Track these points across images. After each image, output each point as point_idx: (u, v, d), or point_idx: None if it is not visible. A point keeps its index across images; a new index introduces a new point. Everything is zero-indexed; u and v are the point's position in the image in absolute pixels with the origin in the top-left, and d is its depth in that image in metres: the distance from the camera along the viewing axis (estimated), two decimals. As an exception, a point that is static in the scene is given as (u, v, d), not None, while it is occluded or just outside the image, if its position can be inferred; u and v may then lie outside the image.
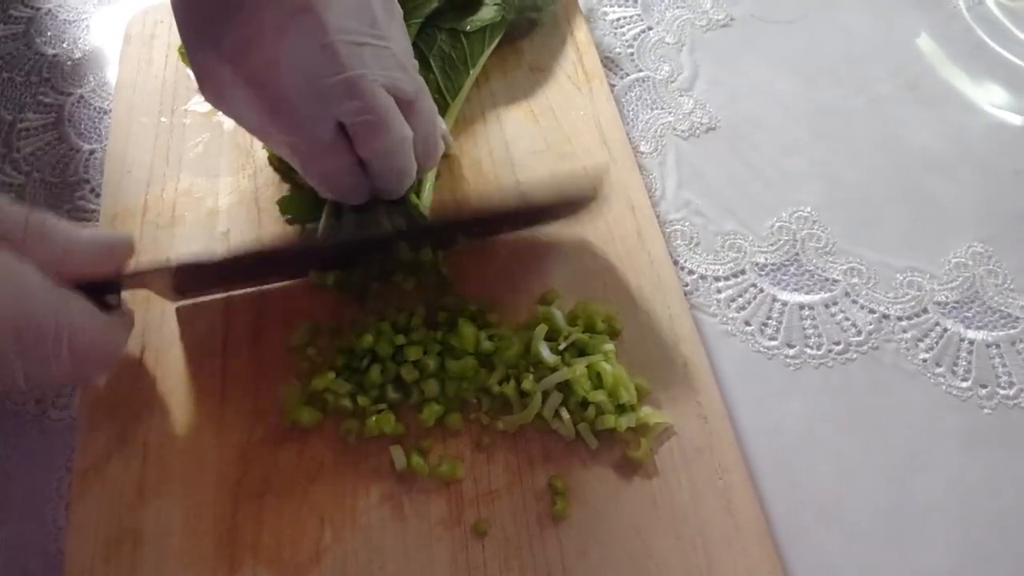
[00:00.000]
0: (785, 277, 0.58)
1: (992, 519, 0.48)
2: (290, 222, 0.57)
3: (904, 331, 0.55)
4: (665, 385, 0.50)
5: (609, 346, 0.50)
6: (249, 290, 0.54)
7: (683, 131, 0.66)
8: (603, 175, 0.55)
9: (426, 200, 0.56)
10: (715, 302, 0.57)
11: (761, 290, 0.57)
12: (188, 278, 0.51)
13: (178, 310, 0.54)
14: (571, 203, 0.55)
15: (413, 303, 0.53)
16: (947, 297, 0.57)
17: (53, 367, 0.41)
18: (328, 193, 0.50)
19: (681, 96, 0.68)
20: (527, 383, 0.48)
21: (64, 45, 0.73)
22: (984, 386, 0.53)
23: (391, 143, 0.47)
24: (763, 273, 0.58)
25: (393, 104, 0.47)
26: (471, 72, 0.62)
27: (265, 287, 0.55)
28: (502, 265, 0.56)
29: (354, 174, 0.48)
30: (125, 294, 0.48)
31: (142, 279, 0.49)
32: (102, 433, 0.49)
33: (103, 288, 0.46)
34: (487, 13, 0.62)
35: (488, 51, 0.64)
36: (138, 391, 0.51)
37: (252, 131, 0.50)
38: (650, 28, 0.73)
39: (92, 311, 0.43)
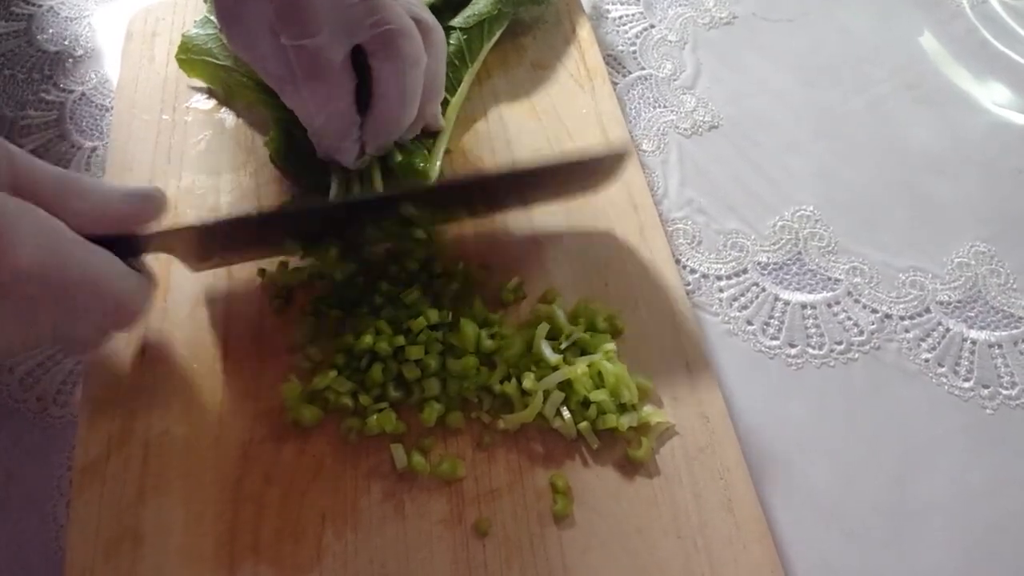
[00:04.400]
0: (787, 276, 0.58)
1: (993, 519, 0.48)
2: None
3: (906, 331, 0.55)
4: (667, 384, 0.50)
5: (611, 345, 0.50)
6: (251, 288, 0.54)
7: (685, 129, 0.65)
8: (626, 151, 0.55)
9: (434, 168, 0.57)
10: (717, 301, 0.57)
11: (763, 289, 0.57)
12: (214, 239, 0.51)
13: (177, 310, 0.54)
14: (582, 170, 0.55)
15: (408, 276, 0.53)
16: (949, 297, 0.57)
17: (81, 320, 0.42)
18: (320, 123, 0.51)
19: (683, 94, 0.68)
20: (528, 382, 0.48)
21: (66, 42, 0.73)
22: (986, 386, 0.53)
23: (408, 56, 0.49)
24: (765, 272, 0.58)
25: (412, 24, 0.49)
26: (470, 68, 0.62)
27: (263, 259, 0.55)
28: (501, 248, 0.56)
29: (351, 106, 0.50)
30: (149, 259, 0.49)
31: (169, 239, 0.49)
32: (103, 431, 0.49)
33: (128, 251, 0.46)
34: (483, 7, 0.62)
35: (487, 46, 0.64)
36: (138, 389, 0.51)
37: (256, 53, 0.51)
38: (652, 26, 0.73)
39: (121, 266, 0.44)
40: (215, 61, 0.61)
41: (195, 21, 0.63)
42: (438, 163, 0.58)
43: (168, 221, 0.48)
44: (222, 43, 0.61)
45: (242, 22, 0.50)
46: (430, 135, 0.58)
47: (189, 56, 0.62)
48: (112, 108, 0.66)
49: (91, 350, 0.48)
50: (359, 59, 0.50)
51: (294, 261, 0.55)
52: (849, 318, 0.56)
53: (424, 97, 0.52)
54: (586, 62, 0.66)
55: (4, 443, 0.52)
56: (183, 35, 0.63)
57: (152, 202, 0.46)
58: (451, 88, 0.60)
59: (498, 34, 0.64)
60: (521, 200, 0.57)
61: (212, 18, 0.62)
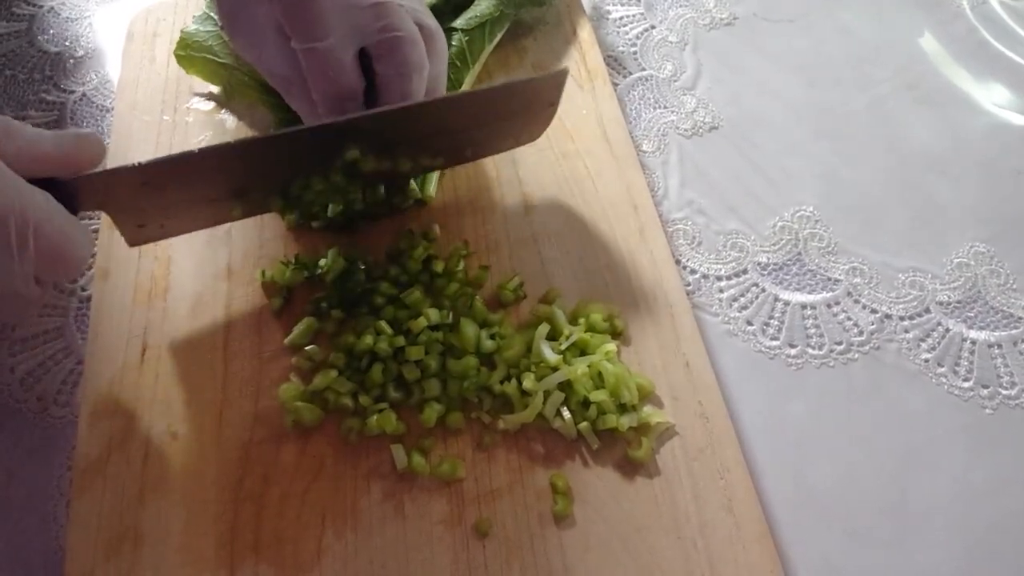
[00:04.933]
0: (787, 277, 0.58)
1: (994, 519, 0.48)
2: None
3: (906, 331, 0.55)
4: (667, 385, 0.50)
5: (611, 346, 0.50)
6: (250, 289, 0.54)
7: (686, 130, 0.65)
8: (562, 79, 0.54)
9: (431, 181, 0.57)
10: (717, 301, 0.57)
11: (763, 290, 0.57)
12: (151, 189, 0.47)
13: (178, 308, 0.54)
14: (523, 98, 0.54)
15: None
16: (949, 297, 0.57)
17: (17, 263, 0.39)
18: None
19: (684, 95, 0.68)
20: (528, 382, 0.48)
21: (67, 43, 0.73)
22: (986, 386, 0.53)
23: (412, 62, 0.49)
24: (765, 273, 0.58)
25: (417, 31, 0.50)
26: (471, 69, 0.62)
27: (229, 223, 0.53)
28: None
29: (362, 108, 0.50)
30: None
31: (103, 183, 0.46)
32: (103, 431, 0.50)
33: (62, 200, 0.42)
34: (484, 8, 0.62)
35: (488, 48, 0.64)
36: (139, 390, 0.51)
37: (260, 54, 0.51)
38: (653, 27, 0.73)
39: (59, 208, 0.41)
40: (215, 59, 0.61)
41: (194, 17, 0.63)
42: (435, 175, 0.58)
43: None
44: (222, 40, 0.61)
45: (246, 23, 0.50)
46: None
47: (188, 53, 0.62)
48: (113, 109, 0.66)
49: (24, 307, 0.44)
50: (363, 63, 0.50)
51: (290, 250, 0.55)
52: (849, 318, 0.56)
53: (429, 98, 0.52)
54: (587, 63, 0.66)
55: (4, 443, 0.52)
56: (182, 31, 0.62)
57: (86, 145, 0.44)
58: (452, 89, 0.60)
59: (499, 36, 0.65)
60: (461, 141, 0.56)
61: (212, 14, 0.62)
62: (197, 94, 0.65)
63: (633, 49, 0.71)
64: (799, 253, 0.59)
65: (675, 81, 0.69)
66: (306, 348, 0.51)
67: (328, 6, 0.47)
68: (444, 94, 0.54)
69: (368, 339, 0.50)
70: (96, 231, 0.58)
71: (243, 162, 0.49)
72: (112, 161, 0.61)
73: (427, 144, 0.54)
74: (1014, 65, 0.69)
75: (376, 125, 0.50)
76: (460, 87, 0.61)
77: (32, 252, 0.40)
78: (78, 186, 0.44)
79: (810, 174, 0.63)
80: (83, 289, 0.58)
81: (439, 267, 0.54)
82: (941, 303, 0.56)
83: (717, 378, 0.51)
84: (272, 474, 0.48)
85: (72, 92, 0.70)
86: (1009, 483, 0.50)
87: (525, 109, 0.55)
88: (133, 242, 0.51)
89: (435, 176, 0.58)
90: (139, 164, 0.46)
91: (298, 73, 0.50)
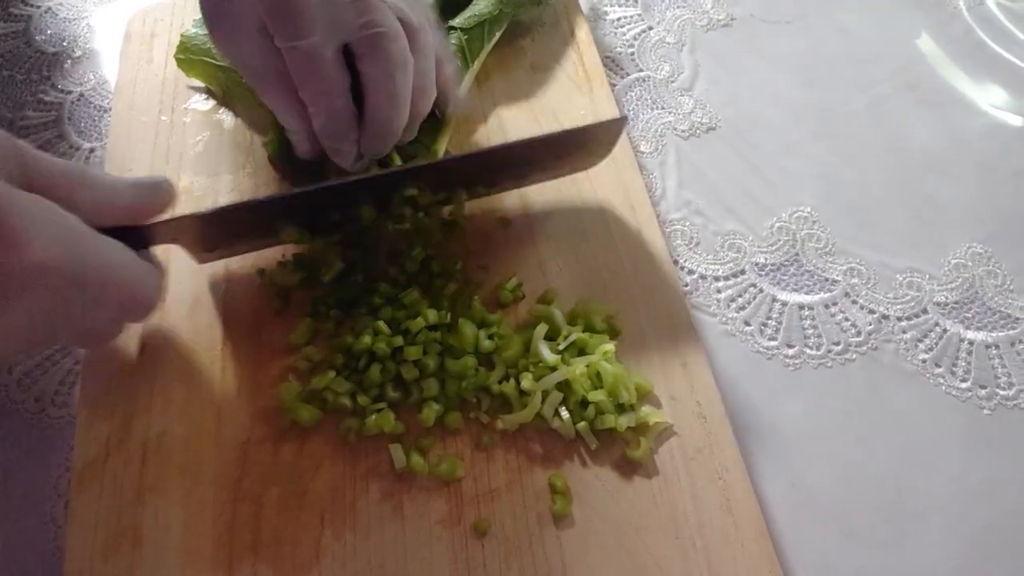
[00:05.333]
0: (785, 277, 0.58)
1: (991, 519, 0.48)
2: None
3: (904, 331, 0.55)
4: (665, 385, 0.50)
5: (609, 346, 0.50)
6: (249, 289, 0.55)
7: (683, 131, 0.66)
8: (622, 126, 0.56)
9: (439, 151, 0.57)
10: (715, 302, 0.57)
11: (761, 290, 0.57)
12: (217, 228, 0.51)
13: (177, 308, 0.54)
14: (577, 143, 0.55)
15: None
16: (947, 298, 0.57)
17: (96, 311, 0.42)
18: (320, 124, 0.51)
19: (681, 96, 0.68)
20: (527, 382, 0.48)
21: (64, 43, 0.73)
22: (983, 387, 0.53)
23: (394, 58, 0.49)
24: (763, 273, 0.58)
25: (400, 26, 0.50)
26: (470, 68, 0.62)
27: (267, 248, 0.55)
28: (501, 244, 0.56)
29: (348, 104, 0.50)
30: (156, 251, 0.49)
31: (173, 229, 0.49)
32: (101, 431, 0.49)
33: (135, 242, 0.46)
34: (483, 7, 0.62)
35: (487, 47, 0.64)
36: (137, 390, 0.51)
37: (238, 50, 0.51)
38: (651, 28, 0.73)
39: (133, 257, 0.44)
40: (214, 61, 0.61)
41: (194, 20, 0.63)
42: (440, 151, 0.58)
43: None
44: None
45: (227, 19, 0.50)
46: (430, 137, 0.58)
47: (188, 56, 0.62)
48: (111, 109, 0.66)
49: (105, 342, 0.48)
50: (350, 63, 0.51)
51: (290, 250, 0.55)
52: (847, 319, 0.56)
53: (415, 97, 0.52)
54: (584, 64, 0.66)
55: (2, 444, 0.52)
56: (182, 35, 0.63)
57: (160, 193, 0.47)
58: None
59: (498, 35, 0.65)
60: (518, 177, 0.57)
61: None
62: (195, 88, 0.65)
63: (631, 50, 0.71)
64: (797, 254, 0.59)
65: (672, 82, 0.69)
66: (304, 348, 0.51)
67: (310, 3, 0.47)
68: (433, 90, 0.54)
69: (366, 339, 0.50)
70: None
71: (306, 206, 0.52)
72: (110, 162, 0.61)
73: (483, 181, 0.56)
74: (1011, 66, 0.69)
75: (430, 170, 0.52)
76: (458, 85, 0.61)
77: (110, 304, 0.43)
78: (152, 228, 0.48)
79: (808, 175, 0.63)
80: (81, 289, 0.58)
81: (437, 267, 0.54)
82: (939, 304, 0.57)
83: (715, 378, 0.51)
84: (270, 474, 0.48)
85: (70, 92, 0.70)
86: (1006, 483, 0.50)
87: (579, 151, 0.56)
88: (201, 261, 0.54)
89: (444, 139, 0.58)
90: (208, 212, 0.50)
91: (273, 70, 0.50)
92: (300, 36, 0.47)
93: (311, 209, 0.52)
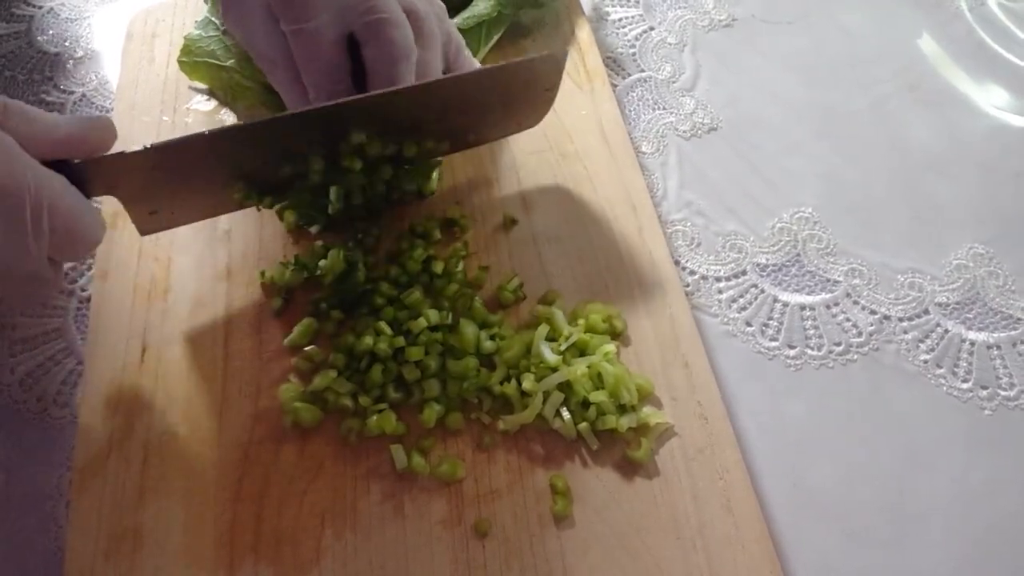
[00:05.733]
0: (786, 278, 0.58)
1: (992, 520, 0.48)
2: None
3: (905, 332, 0.55)
4: (666, 385, 0.50)
5: (610, 346, 0.50)
6: (250, 289, 0.55)
7: (685, 131, 0.66)
8: (563, 59, 0.55)
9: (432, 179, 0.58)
10: (716, 303, 0.57)
11: (762, 291, 0.57)
12: (161, 173, 0.48)
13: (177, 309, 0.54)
14: (532, 77, 0.55)
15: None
16: (948, 298, 0.57)
17: (33, 243, 0.40)
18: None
19: (683, 96, 0.68)
20: (528, 383, 0.48)
21: (66, 43, 0.73)
22: (985, 387, 0.53)
23: (397, 45, 0.49)
24: (764, 274, 0.58)
25: (403, 14, 0.50)
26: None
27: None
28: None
29: (349, 89, 0.51)
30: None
31: (114, 166, 0.46)
32: (103, 432, 0.49)
33: (74, 182, 0.43)
34: (481, 8, 0.62)
35: (485, 49, 0.64)
36: (138, 390, 0.51)
37: (248, 31, 0.52)
38: (652, 28, 0.73)
39: (73, 189, 0.42)
40: (217, 63, 0.61)
41: (196, 22, 0.63)
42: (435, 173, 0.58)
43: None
44: (224, 45, 0.61)
45: (240, 3, 0.51)
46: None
47: (191, 59, 0.63)
48: (112, 109, 0.66)
49: (42, 287, 0.44)
50: (354, 50, 0.51)
51: (288, 247, 0.55)
52: (848, 319, 0.56)
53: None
54: (586, 64, 0.66)
55: (4, 443, 0.52)
56: (185, 37, 0.63)
57: (99, 128, 0.45)
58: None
59: (496, 37, 0.65)
60: (467, 125, 0.57)
61: (213, 19, 0.62)
62: (196, 89, 0.65)
63: (632, 50, 0.71)
64: (798, 254, 0.59)
65: (674, 82, 0.69)
66: (306, 348, 0.52)
67: None
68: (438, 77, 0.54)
69: (368, 340, 0.50)
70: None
71: (251, 144, 0.50)
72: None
73: (429, 128, 0.54)
74: (1013, 67, 0.69)
75: (380, 106, 0.50)
76: None
77: (47, 232, 0.40)
78: (89, 169, 0.45)
79: (809, 175, 0.63)
80: (83, 290, 0.58)
81: (439, 268, 0.54)
82: (940, 304, 0.57)
83: (716, 379, 0.51)
84: (272, 474, 0.48)
85: (71, 93, 0.70)
86: (1008, 484, 0.50)
87: (525, 92, 0.56)
88: (144, 231, 0.51)
89: (435, 173, 0.58)
90: (149, 147, 0.46)
91: (282, 54, 0.51)
92: (304, 19, 0.48)
93: (255, 150, 0.50)
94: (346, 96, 0.50)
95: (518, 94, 0.56)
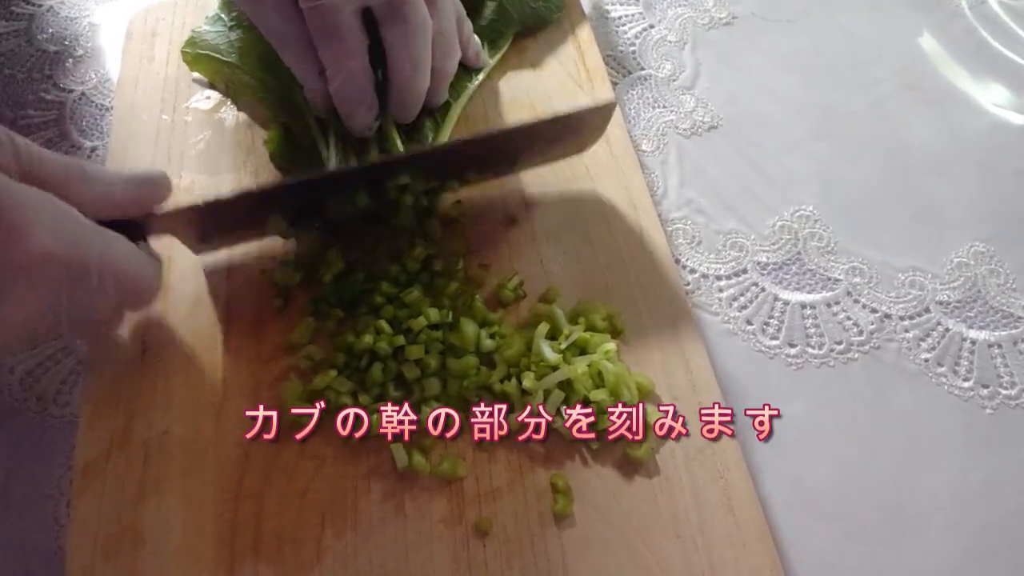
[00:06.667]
0: (787, 276, 0.58)
1: (993, 519, 0.48)
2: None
3: (906, 331, 0.55)
4: (666, 384, 0.50)
5: (610, 345, 0.50)
6: (250, 288, 0.55)
7: (685, 129, 0.65)
8: (612, 108, 0.56)
9: (446, 133, 0.58)
10: (717, 301, 0.57)
11: (763, 289, 0.57)
12: (214, 219, 0.51)
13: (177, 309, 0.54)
14: (582, 125, 0.56)
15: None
16: (949, 297, 0.57)
17: (97, 301, 0.43)
18: (337, 86, 0.52)
19: (683, 94, 0.68)
20: (528, 382, 0.48)
21: (66, 42, 0.73)
22: (986, 386, 0.53)
23: (415, 20, 0.50)
24: (765, 272, 0.58)
25: None
26: (474, 79, 0.62)
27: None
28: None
29: (366, 67, 0.52)
30: (155, 245, 0.50)
31: (170, 220, 0.49)
32: (103, 431, 0.49)
33: (133, 234, 0.46)
34: (485, 23, 0.63)
35: (493, 61, 0.64)
36: (139, 389, 0.51)
37: (260, 8, 0.52)
38: (652, 26, 0.73)
39: (132, 248, 0.45)
40: (220, 57, 0.61)
41: (207, 17, 0.64)
42: (447, 132, 0.59)
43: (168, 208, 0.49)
44: (229, 40, 0.61)
45: None
46: (434, 125, 0.58)
47: (195, 50, 0.63)
48: (112, 108, 0.66)
49: (106, 332, 0.49)
50: (373, 30, 0.52)
51: (291, 248, 0.55)
52: (849, 318, 0.56)
53: (439, 58, 0.54)
54: (586, 62, 0.66)
55: (4, 443, 0.52)
56: (192, 31, 0.63)
57: (156, 186, 0.48)
58: (454, 95, 0.60)
59: (505, 48, 0.65)
60: (510, 163, 0.58)
61: (223, 16, 0.62)
62: (197, 82, 0.65)
63: (632, 48, 0.71)
64: (799, 252, 0.59)
65: (674, 80, 0.69)
66: (306, 347, 0.51)
67: None
68: (457, 50, 0.55)
69: (368, 338, 0.50)
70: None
71: (300, 195, 0.52)
72: (111, 161, 0.61)
73: (475, 168, 0.56)
74: (1013, 65, 0.69)
75: (424, 158, 0.52)
76: (463, 93, 0.61)
77: (112, 295, 0.43)
78: (148, 221, 0.48)
79: (810, 173, 0.63)
80: (82, 288, 0.58)
81: (439, 266, 0.54)
82: (941, 303, 0.57)
83: (716, 377, 0.51)
84: (272, 474, 0.48)
85: (71, 91, 0.70)
86: (1008, 483, 0.50)
87: (571, 137, 0.57)
88: (197, 252, 0.54)
89: (451, 120, 0.59)
90: (203, 204, 0.49)
91: (296, 31, 0.51)
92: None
93: (305, 200, 0.53)
94: (362, 74, 0.51)
95: (564, 138, 0.57)
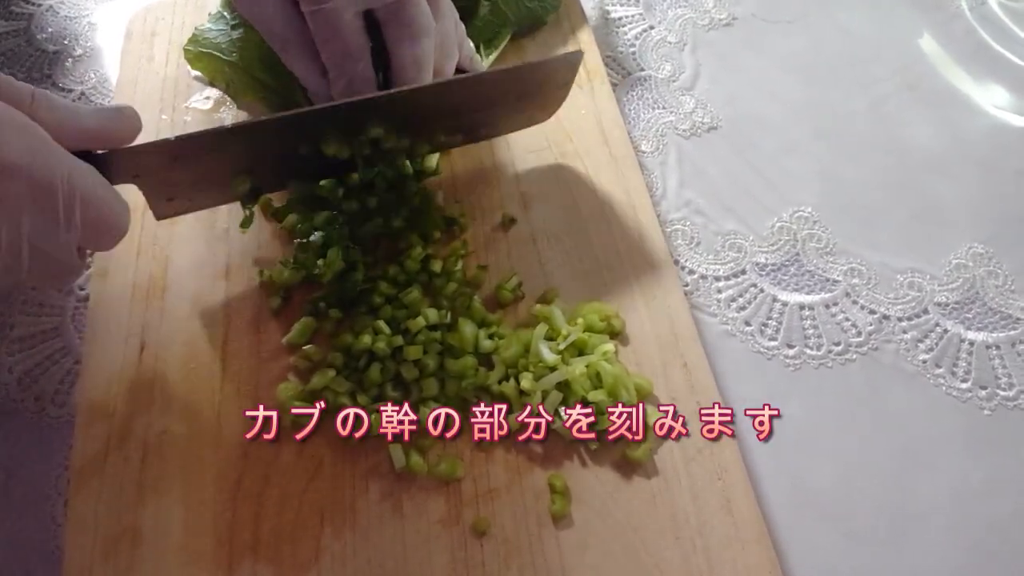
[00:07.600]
0: (785, 277, 0.58)
1: (992, 519, 0.48)
2: None
3: (904, 332, 0.55)
4: (665, 385, 0.50)
5: (609, 346, 0.50)
6: (249, 288, 0.54)
7: (684, 130, 0.65)
8: (579, 59, 0.57)
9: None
10: (715, 302, 0.57)
11: (761, 290, 0.57)
12: (180, 163, 0.49)
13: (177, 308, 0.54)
14: (548, 77, 0.57)
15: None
16: (947, 298, 0.57)
17: (64, 233, 0.40)
18: (341, 88, 0.52)
19: (682, 95, 0.68)
20: (527, 382, 0.48)
21: (65, 42, 0.73)
22: (984, 387, 0.53)
23: (419, 23, 0.50)
24: (763, 273, 0.58)
25: None
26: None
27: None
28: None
29: (368, 68, 0.52)
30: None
31: (135, 158, 0.47)
32: (101, 431, 0.49)
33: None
34: (480, 24, 0.63)
35: (490, 60, 0.64)
36: (137, 389, 0.51)
37: (261, 12, 0.52)
38: (652, 27, 0.73)
39: (101, 178, 0.43)
40: (221, 56, 0.61)
41: (209, 15, 0.64)
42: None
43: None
44: (231, 39, 0.61)
45: None
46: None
47: (196, 48, 0.63)
48: (111, 108, 0.66)
49: (66, 277, 0.45)
50: (374, 29, 0.52)
51: (289, 249, 0.55)
52: (847, 319, 0.56)
53: (439, 57, 0.54)
54: (585, 63, 0.66)
55: (2, 443, 0.52)
56: (195, 28, 0.63)
57: (124, 118, 0.45)
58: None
59: (502, 46, 0.65)
60: (482, 120, 0.58)
61: (226, 13, 0.62)
62: (198, 79, 0.65)
63: (632, 49, 0.71)
64: (797, 254, 0.59)
65: (674, 81, 0.69)
66: (304, 347, 0.51)
67: None
68: (456, 53, 0.55)
69: (366, 339, 0.50)
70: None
71: (272, 137, 0.51)
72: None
73: (444, 123, 0.55)
74: (1013, 66, 0.69)
75: (399, 103, 0.51)
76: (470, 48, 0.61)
77: (78, 223, 0.41)
78: (114, 159, 0.45)
79: (809, 175, 0.63)
80: (81, 288, 0.58)
81: (437, 267, 0.54)
82: (939, 304, 0.57)
83: (715, 378, 0.51)
84: (270, 474, 0.48)
85: (71, 91, 0.70)
86: (1007, 484, 0.50)
87: (539, 89, 0.57)
88: (160, 215, 0.52)
89: (435, 156, 0.59)
90: (173, 138, 0.47)
91: (298, 34, 0.51)
92: (323, 0, 0.49)
93: (276, 142, 0.51)
94: (365, 76, 0.51)
95: (533, 92, 0.57)
